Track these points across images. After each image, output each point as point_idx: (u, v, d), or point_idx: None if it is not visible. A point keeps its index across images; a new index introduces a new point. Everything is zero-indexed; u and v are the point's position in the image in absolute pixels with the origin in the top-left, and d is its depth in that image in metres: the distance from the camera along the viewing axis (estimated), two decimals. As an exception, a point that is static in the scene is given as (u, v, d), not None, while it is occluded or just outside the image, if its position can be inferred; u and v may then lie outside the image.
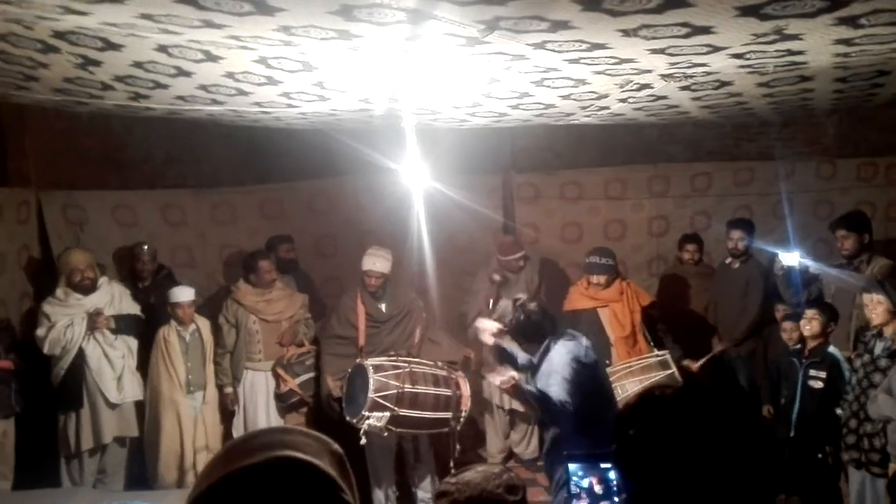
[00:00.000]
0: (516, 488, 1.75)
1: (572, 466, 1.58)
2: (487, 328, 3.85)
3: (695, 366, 5.01)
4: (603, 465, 1.59)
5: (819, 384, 4.36)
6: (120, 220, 6.12)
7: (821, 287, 5.21)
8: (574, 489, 1.56)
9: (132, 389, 5.05)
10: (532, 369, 3.76)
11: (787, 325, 4.89)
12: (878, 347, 4.03)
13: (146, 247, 5.64)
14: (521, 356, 3.84)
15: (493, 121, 5.18)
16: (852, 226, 5.06)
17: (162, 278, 5.66)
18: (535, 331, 3.71)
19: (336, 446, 1.09)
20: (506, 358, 3.84)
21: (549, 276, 6.15)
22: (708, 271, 5.98)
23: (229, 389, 5.29)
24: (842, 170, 6.94)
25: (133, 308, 5.20)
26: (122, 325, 5.06)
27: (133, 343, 5.13)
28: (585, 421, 3.49)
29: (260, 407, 5.23)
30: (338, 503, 0.99)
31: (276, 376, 5.16)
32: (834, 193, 6.91)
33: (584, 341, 3.74)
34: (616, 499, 1.50)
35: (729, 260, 5.74)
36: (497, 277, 5.23)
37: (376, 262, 4.99)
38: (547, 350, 3.68)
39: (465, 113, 4.74)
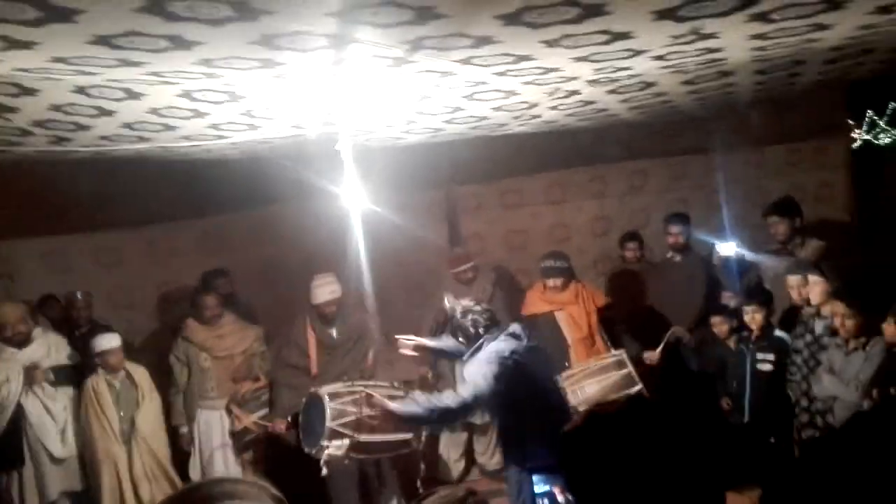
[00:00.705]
0: None
1: (535, 477, 1.57)
2: (405, 344, 4.05)
3: (654, 356, 5.05)
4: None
5: (768, 367, 4.47)
6: (51, 267, 5.91)
7: (759, 273, 5.36)
8: (539, 500, 1.55)
9: (75, 441, 4.84)
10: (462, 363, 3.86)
11: (715, 319, 4.99)
12: (819, 326, 4.15)
13: (79, 294, 5.43)
14: (451, 344, 3.95)
15: (430, 136, 5.19)
16: (783, 211, 5.22)
17: (100, 326, 5.45)
18: (473, 330, 3.79)
19: (275, 491, 1.10)
20: (438, 354, 4.06)
21: (500, 283, 6.15)
22: (649, 267, 6.06)
23: (184, 430, 5.17)
24: (770, 157, 7.17)
25: (72, 357, 4.99)
26: (61, 376, 4.86)
27: (74, 393, 4.91)
28: (532, 423, 3.54)
29: (216, 445, 5.09)
30: None
31: (230, 413, 5.02)
32: (765, 180, 7.12)
33: (524, 341, 3.81)
34: None
35: (670, 254, 5.85)
36: (447, 303, 5.19)
37: (324, 291, 4.92)
38: (479, 347, 3.75)
39: (400, 130, 4.74)
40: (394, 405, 3.59)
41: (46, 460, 4.74)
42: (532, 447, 3.46)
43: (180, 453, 5.21)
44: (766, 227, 5.40)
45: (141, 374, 5.01)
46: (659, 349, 5.13)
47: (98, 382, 4.84)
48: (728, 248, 5.05)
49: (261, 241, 6.43)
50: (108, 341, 4.88)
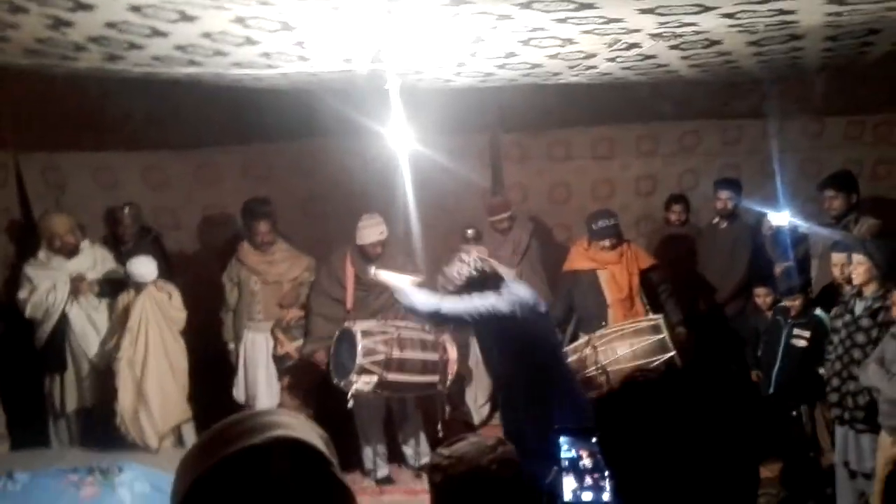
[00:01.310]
0: (510, 463, 1.74)
1: (561, 439, 1.56)
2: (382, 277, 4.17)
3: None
4: (592, 439, 1.56)
5: (803, 343, 4.40)
6: (101, 183, 6.03)
7: (808, 248, 5.23)
8: (563, 462, 1.55)
9: (115, 352, 4.94)
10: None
11: (759, 290, 4.92)
12: (859, 307, 4.05)
13: (127, 209, 5.53)
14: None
15: (480, 81, 5.09)
16: (840, 185, 5.06)
17: (148, 242, 5.58)
18: (479, 285, 3.78)
19: (320, 430, 1.07)
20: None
21: (538, 236, 6.11)
22: (694, 232, 5.96)
23: (231, 346, 5.32)
24: (830, 128, 6.90)
25: (116, 272, 5.11)
26: (107, 288, 5.00)
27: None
28: (531, 377, 3.62)
29: (260, 366, 5.24)
30: (330, 479, 0.97)
31: (275, 338, 5.15)
32: (822, 152, 6.88)
33: (535, 295, 3.87)
34: (606, 472, 1.48)
35: (716, 220, 5.73)
36: (470, 233, 5.18)
37: (373, 232, 4.93)
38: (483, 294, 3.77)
39: (451, 73, 4.65)
40: (408, 290, 3.70)
41: (87, 368, 4.91)
42: (524, 399, 3.63)
43: (227, 374, 5.36)
44: (820, 201, 5.25)
45: (173, 294, 5.08)
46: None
47: (133, 299, 4.93)
48: (781, 218, 4.91)
49: (304, 173, 6.45)
50: (142, 273, 4.90)
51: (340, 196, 6.31)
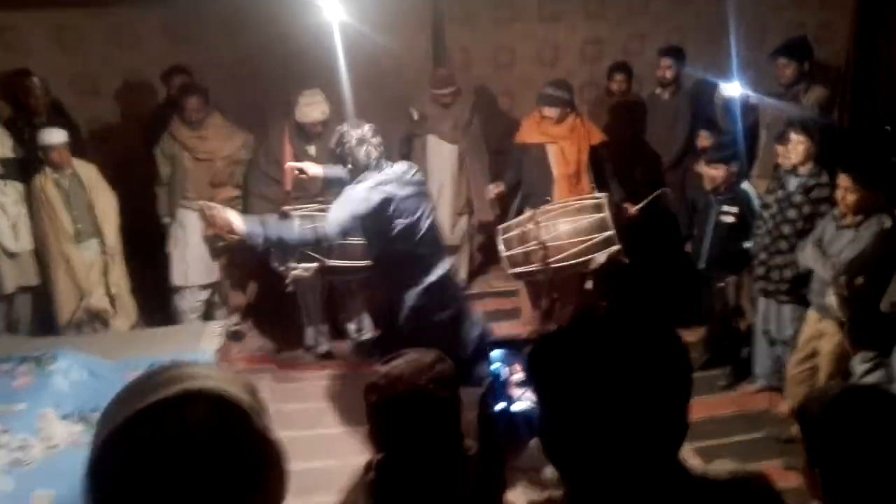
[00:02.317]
0: (447, 382, 1.73)
1: (493, 353, 1.56)
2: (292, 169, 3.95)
3: (634, 211, 5.02)
4: (524, 351, 1.55)
5: (731, 219, 4.49)
6: (7, 46, 5.53)
7: (756, 116, 5.24)
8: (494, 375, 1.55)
9: (29, 237, 4.77)
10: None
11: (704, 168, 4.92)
12: (793, 184, 4.12)
13: (35, 78, 5.09)
14: (338, 172, 3.79)
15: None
16: (794, 53, 5.03)
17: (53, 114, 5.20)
18: (365, 160, 3.60)
19: (245, 377, 1.07)
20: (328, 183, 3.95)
21: (482, 106, 5.94)
22: (636, 101, 5.87)
23: (166, 220, 5.16)
24: (775, -9, 6.75)
25: (17, 150, 4.77)
26: (10, 169, 4.68)
27: (21, 188, 4.75)
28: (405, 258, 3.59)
29: (194, 245, 5.09)
30: (252, 430, 0.96)
31: (204, 218, 4.98)
32: (767, 16, 6.77)
33: (414, 171, 3.72)
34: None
35: (658, 90, 5.65)
36: (416, 115, 4.97)
37: (315, 110, 4.69)
38: (361, 181, 3.58)
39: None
40: (238, 224, 3.44)
41: (1, 254, 4.69)
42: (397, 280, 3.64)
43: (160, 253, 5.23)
44: (763, 67, 5.21)
45: (89, 172, 4.83)
46: (640, 205, 5.08)
47: (45, 182, 4.68)
48: (733, 89, 4.86)
49: (231, 33, 6.00)
50: (52, 136, 4.64)
51: (274, 58, 5.96)
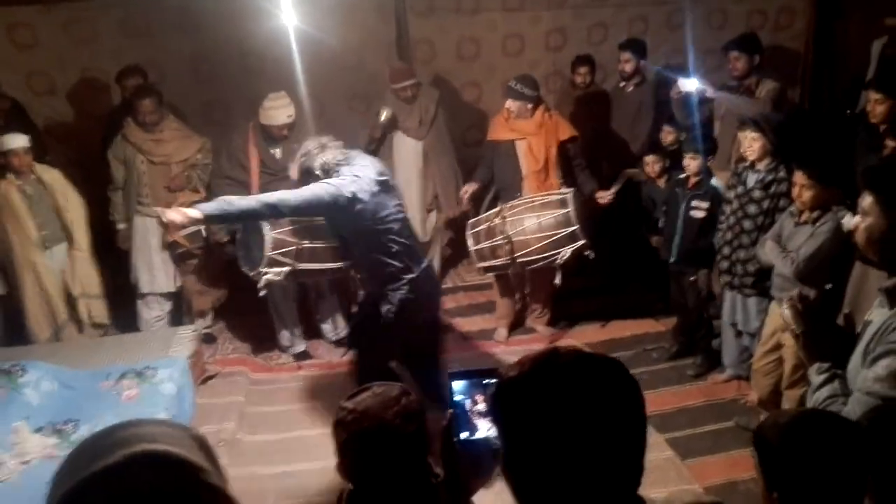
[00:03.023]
0: (414, 416, 1.77)
1: (455, 384, 1.58)
2: None
3: (606, 196, 5.07)
4: (486, 381, 1.58)
5: (700, 214, 4.56)
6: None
7: (711, 108, 5.32)
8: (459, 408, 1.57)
9: None
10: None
11: (648, 157, 5.03)
12: (751, 180, 4.19)
13: None
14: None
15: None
16: (744, 47, 5.09)
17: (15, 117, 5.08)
18: (320, 165, 3.53)
19: (197, 431, 1.07)
20: None
21: (447, 98, 5.93)
22: (600, 94, 5.91)
23: (122, 226, 5.07)
24: (736, -23, 6.82)
25: None
26: None
27: None
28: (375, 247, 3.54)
29: (154, 251, 5.03)
30: (203, 489, 0.97)
31: (162, 225, 4.90)
32: (727, 2, 6.85)
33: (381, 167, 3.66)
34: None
35: (623, 84, 5.70)
36: (384, 116, 4.93)
37: (281, 114, 4.61)
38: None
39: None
40: (193, 212, 3.33)
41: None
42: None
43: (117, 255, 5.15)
44: (720, 55, 5.30)
45: (53, 177, 4.73)
46: (613, 190, 5.13)
47: (8, 188, 4.57)
48: (690, 84, 4.92)
49: (190, 28, 5.89)
50: (11, 141, 4.53)
51: (233, 54, 5.88)
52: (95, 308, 4.91)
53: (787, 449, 1.62)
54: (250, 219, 3.69)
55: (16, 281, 4.69)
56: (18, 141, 4.56)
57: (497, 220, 4.60)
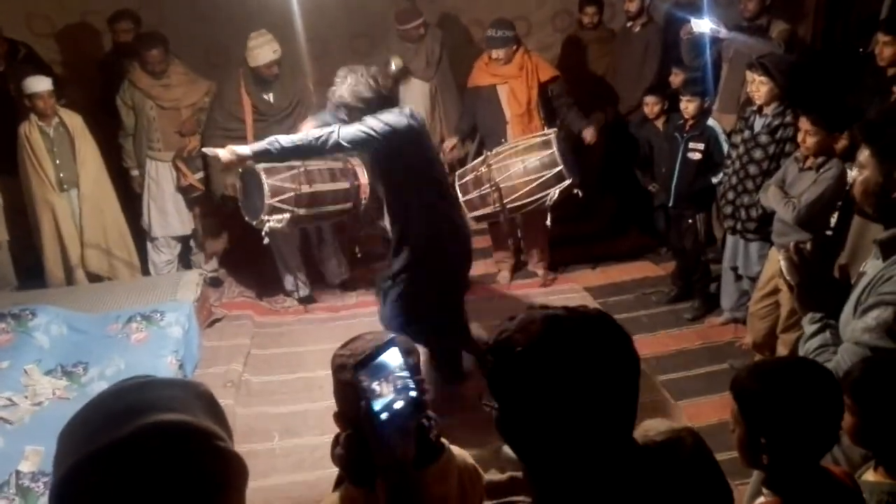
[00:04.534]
0: (410, 351, 1.77)
1: (361, 376, 1.51)
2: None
3: (590, 134, 5.04)
4: (388, 359, 1.48)
5: (697, 156, 4.55)
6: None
7: (719, 49, 5.21)
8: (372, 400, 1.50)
9: None
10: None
11: (648, 98, 4.96)
12: (758, 124, 4.14)
13: None
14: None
15: None
16: None
17: (20, 61, 5.05)
18: (362, 107, 3.45)
19: (203, 387, 1.09)
20: None
21: (452, 42, 5.82)
22: (608, 35, 5.79)
23: (135, 173, 5.12)
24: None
25: None
26: None
27: None
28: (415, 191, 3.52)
29: (168, 196, 5.09)
30: (217, 455, 1.00)
31: (176, 169, 4.94)
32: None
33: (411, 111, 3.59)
34: (413, 392, 1.43)
35: (630, 23, 5.57)
36: (395, 66, 4.85)
37: (265, 51, 4.54)
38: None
39: None
40: (242, 150, 3.40)
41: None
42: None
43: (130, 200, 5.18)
44: (736, 1, 5.15)
45: (75, 121, 4.77)
46: (591, 130, 5.08)
47: (30, 129, 4.62)
48: (703, 25, 4.80)
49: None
50: (40, 83, 4.55)
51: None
52: (92, 258, 4.92)
53: (769, 397, 1.68)
54: (298, 155, 3.65)
55: (36, 223, 4.76)
56: (43, 84, 4.57)
57: (483, 169, 4.58)
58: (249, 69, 4.64)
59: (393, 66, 4.83)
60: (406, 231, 3.62)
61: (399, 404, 1.41)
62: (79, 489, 0.93)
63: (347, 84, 3.44)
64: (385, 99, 3.48)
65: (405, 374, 1.45)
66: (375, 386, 1.43)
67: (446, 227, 3.66)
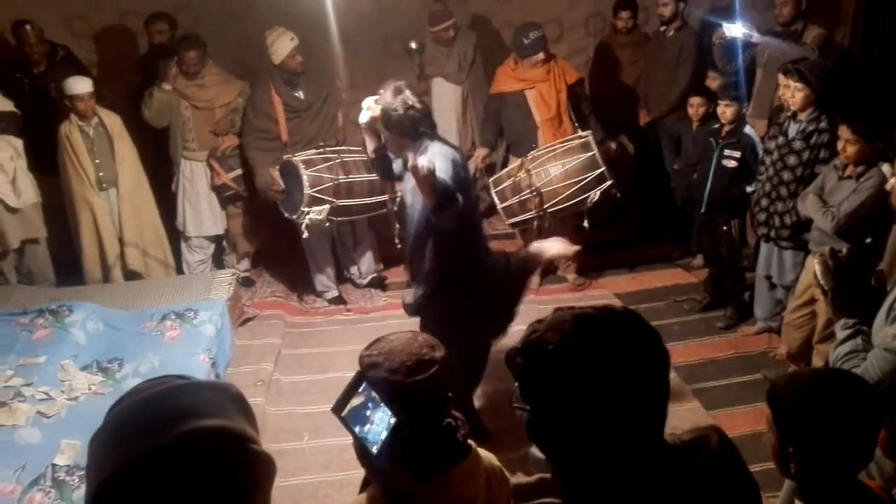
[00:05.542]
0: (436, 346, 1.74)
1: (355, 427, 1.54)
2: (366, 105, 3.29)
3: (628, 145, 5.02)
4: (362, 395, 1.56)
5: (733, 163, 4.51)
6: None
7: (753, 54, 5.15)
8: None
9: (29, 191, 4.78)
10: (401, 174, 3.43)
11: (694, 99, 4.92)
12: (793, 130, 4.10)
13: (29, 26, 4.99)
14: (396, 164, 3.48)
15: None
16: None
17: (59, 61, 5.15)
18: (411, 125, 3.19)
19: (235, 389, 1.11)
20: (379, 163, 3.52)
21: (483, 45, 5.83)
22: (642, 40, 5.76)
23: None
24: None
25: (6, 105, 4.69)
26: (3, 124, 4.65)
27: (18, 143, 4.72)
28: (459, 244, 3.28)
29: (202, 196, 5.17)
30: (253, 459, 1.02)
31: (210, 168, 5.02)
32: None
33: (458, 153, 3.36)
34: (391, 419, 1.50)
35: (664, 28, 5.53)
36: (413, 45, 4.88)
37: (282, 45, 4.62)
38: (424, 151, 3.17)
39: None
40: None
41: (2, 210, 4.70)
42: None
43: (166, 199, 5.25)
44: (771, 5, 5.09)
45: (114, 121, 4.86)
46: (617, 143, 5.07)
47: (71, 129, 4.72)
48: (735, 30, 4.75)
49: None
50: (80, 85, 4.66)
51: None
52: (132, 256, 5.00)
53: (802, 408, 1.66)
54: None
55: (75, 221, 4.86)
56: (84, 86, 4.67)
57: (522, 174, 4.57)
58: (275, 68, 4.72)
59: (413, 45, 4.84)
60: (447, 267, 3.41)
61: (384, 435, 1.49)
62: (123, 494, 0.94)
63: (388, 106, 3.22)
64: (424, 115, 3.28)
65: (377, 403, 1.52)
66: (357, 428, 1.51)
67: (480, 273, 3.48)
